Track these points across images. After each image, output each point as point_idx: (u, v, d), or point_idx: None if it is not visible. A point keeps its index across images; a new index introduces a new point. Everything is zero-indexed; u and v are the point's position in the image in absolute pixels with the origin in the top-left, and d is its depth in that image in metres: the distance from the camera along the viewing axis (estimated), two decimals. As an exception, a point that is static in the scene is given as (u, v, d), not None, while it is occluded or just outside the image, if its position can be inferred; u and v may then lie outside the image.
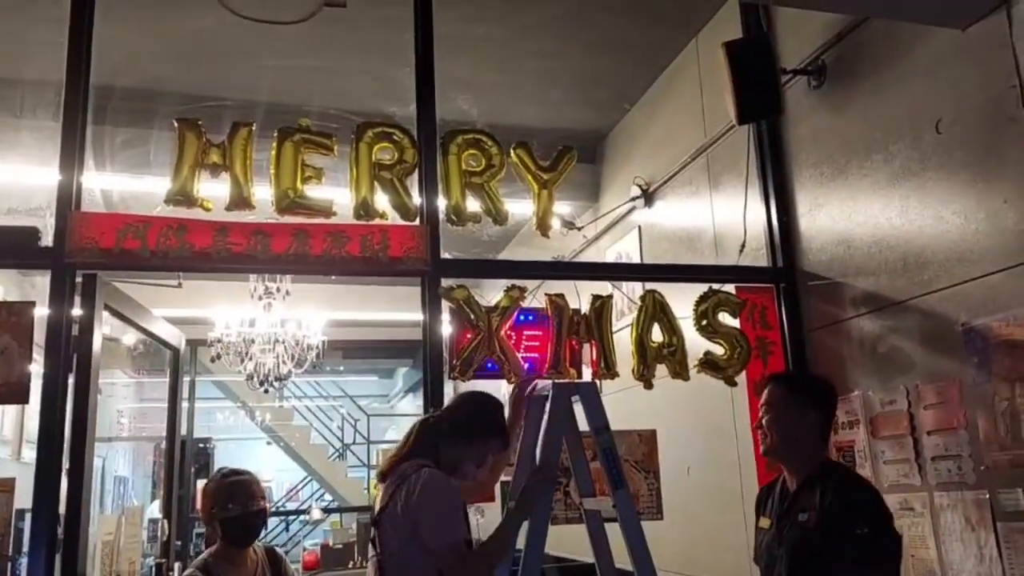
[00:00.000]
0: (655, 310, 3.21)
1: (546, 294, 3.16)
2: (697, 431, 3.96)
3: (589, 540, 2.82)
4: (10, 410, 5.30)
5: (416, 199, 3.16)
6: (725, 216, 3.96)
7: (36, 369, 2.73)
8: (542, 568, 2.56)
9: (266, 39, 3.87)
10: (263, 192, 2.99)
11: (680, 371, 3.18)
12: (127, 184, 4.60)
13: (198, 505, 6.09)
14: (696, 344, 3.25)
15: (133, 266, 3.03)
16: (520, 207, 3.36)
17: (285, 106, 4.13)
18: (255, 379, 6.49)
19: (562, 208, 5.29)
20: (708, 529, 3.77)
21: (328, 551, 7.31)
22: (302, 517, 11.47)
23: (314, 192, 3.03)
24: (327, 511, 10.21)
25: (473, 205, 3.16)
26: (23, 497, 2.70)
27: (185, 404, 8.19)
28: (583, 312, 3.16)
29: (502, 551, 2.39)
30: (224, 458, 14.07)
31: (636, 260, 4.76)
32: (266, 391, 7.04)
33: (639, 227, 4.82)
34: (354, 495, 12.46)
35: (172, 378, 4.19)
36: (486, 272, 3.91)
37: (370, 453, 13.83)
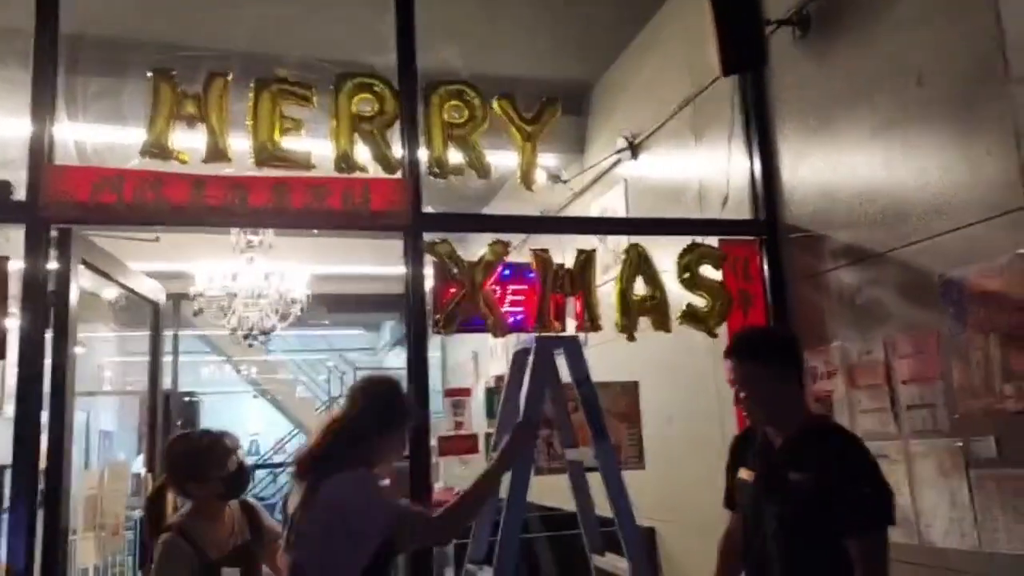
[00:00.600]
0: (638, 263, 3.21)
1: (531, 249, 3.15)
2: (679, 382, 4.00)
3: (571, 490, 2.88)
4: (-11, 366, 5.28)
5: (398, 152, 3.12)
6: (710, 169, 3.94)
7: (12, 324, 2.70)
8: (525, 517, 2.61)
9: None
10: (241, 144, 2.94)
11: (662, 323, 3.20)
12: (101, 135, 4.49)
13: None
14: (678, 297, 3.27)
15: (109, 220, 2.99)
16: (505, 159, 3.32)
17: (262, 56, 4.02)
18: (239, 332, 6.48)
19: (548, 161, 5.24)
20: (689, 477, 3.84)
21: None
22: (289, 469, 11.57)
23: (293, 144, 2.98)
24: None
25: (456, 158, 3.13)
26: (3, 453, 2.68)
27: (168, 358, 8.18)
28: (568, 267, 3.15)
29: (479, 503, 2.41)
30: (211, 412, 14.18)
31: (622, 215, 4.74)
32: (251, 345, 7.04)
33: (625, 180, 4.80)
34: (341, 447, 12.57)
35: (153, 333, 4.18)
36: (470, 226, 3.88)
37: (357, 406, 13.91)
